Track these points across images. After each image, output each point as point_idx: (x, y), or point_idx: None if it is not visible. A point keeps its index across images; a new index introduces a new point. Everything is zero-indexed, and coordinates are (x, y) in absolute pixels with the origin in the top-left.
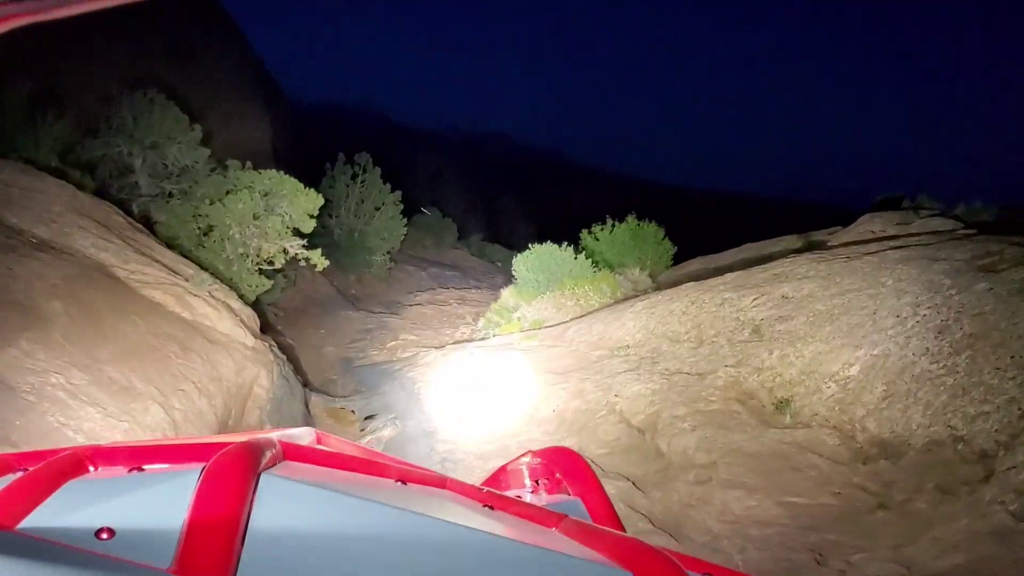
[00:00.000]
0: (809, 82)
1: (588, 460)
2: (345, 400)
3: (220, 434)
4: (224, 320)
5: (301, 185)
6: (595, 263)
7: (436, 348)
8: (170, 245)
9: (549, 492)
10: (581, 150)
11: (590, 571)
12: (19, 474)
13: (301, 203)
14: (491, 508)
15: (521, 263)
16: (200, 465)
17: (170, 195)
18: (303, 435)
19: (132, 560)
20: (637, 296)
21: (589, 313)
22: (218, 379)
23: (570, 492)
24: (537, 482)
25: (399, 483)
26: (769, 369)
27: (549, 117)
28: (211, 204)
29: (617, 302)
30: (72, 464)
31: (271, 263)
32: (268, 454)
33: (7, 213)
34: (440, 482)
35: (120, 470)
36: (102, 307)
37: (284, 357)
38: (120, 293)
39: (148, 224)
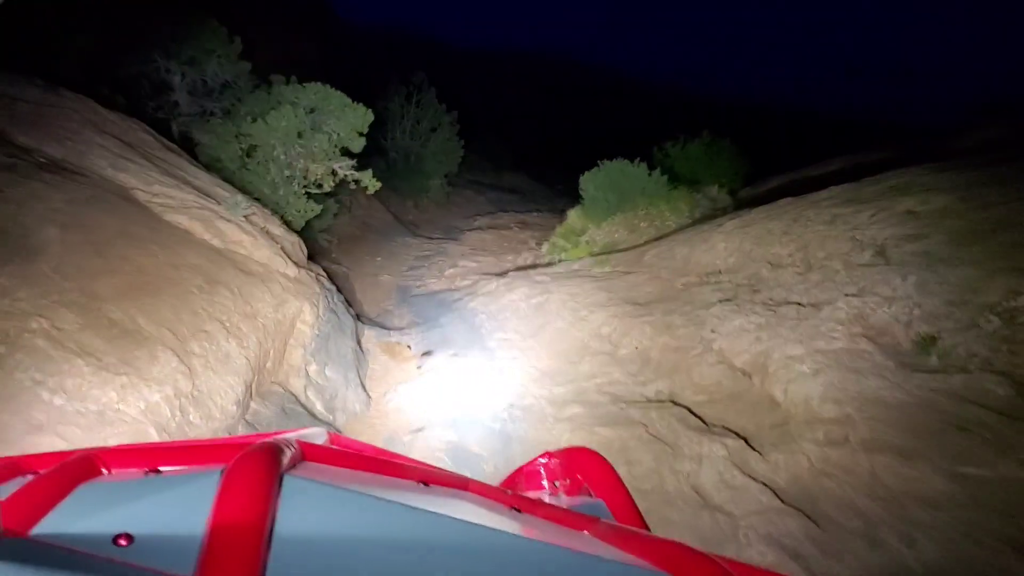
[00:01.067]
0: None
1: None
2: (401, 333)
3: (235, 436)
4: (261, 248)
5: (349, 100)
6: (670, 181)
7: (497, 276)
8: (211, 168)
9: (569, 494)
10: (641, 68)
11: (630, 574)
12: (29, 478)
13: (349, 119)
14: (518, 511)
15: (589, 181)
16: (219, 467)
17: (211, 115)
18: (316, 435)
19: (152, 567)
20: (721, 215)
21: (667, 235)
22: (252, 316)
23: (592, 494)
24: (555, 484)
25: (421, 484)
26: (903, 298)
27: (607, 34)
28: (253, 122)
29: (696, 222)
30: (85, 467)
31: (320, 186)
32: (288, 455)
33: (13, 130)
34: (462, 483)
35: (136, 472)
36: (111, 234)
37: (334, 288)
38: (137, 218)
39: (189, 146)
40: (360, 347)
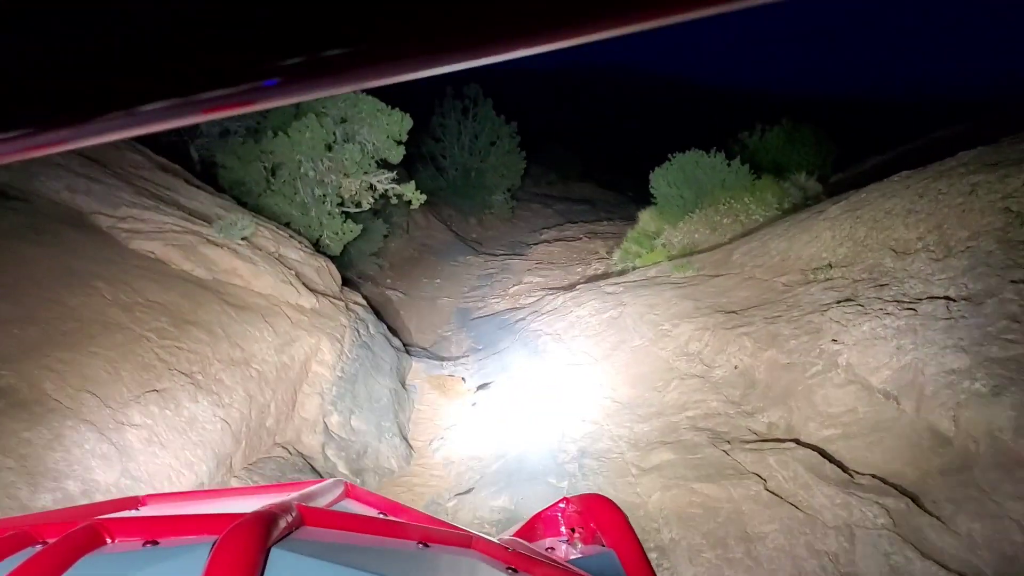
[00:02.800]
0: None
1: (625, 509)
2: (455, 364)
3: (244, 489)
4: (263, 276)
5: (382, 104)
6: (752, 171)
7: (565, 290)
8: (233, 192)
9: (584, 542)
10: (703, 71)
11: None
12: (38, 547)
13: (384, 126)
14: (514, 571)
15: (660, 178)
16: (211, 539)
17: (234, 134)
18: (329, 489)
19: None
20: (816, 203)
21: (756, 230)
22: (241, 362)
23: (604, 543)
24: (573, 530)
25: (421, 546)
26: None
27: (667, 43)
28: (275, 137)
29: (787, 213)
30: (89, 538)
31: (358, 204)
32: (283, 523)
33: None
34: (465, 541)
35: (135, 544)
36: (39, 271)
37: (372, 317)
38: (86, 249)
39: (213, 171)
40: (403, 386)
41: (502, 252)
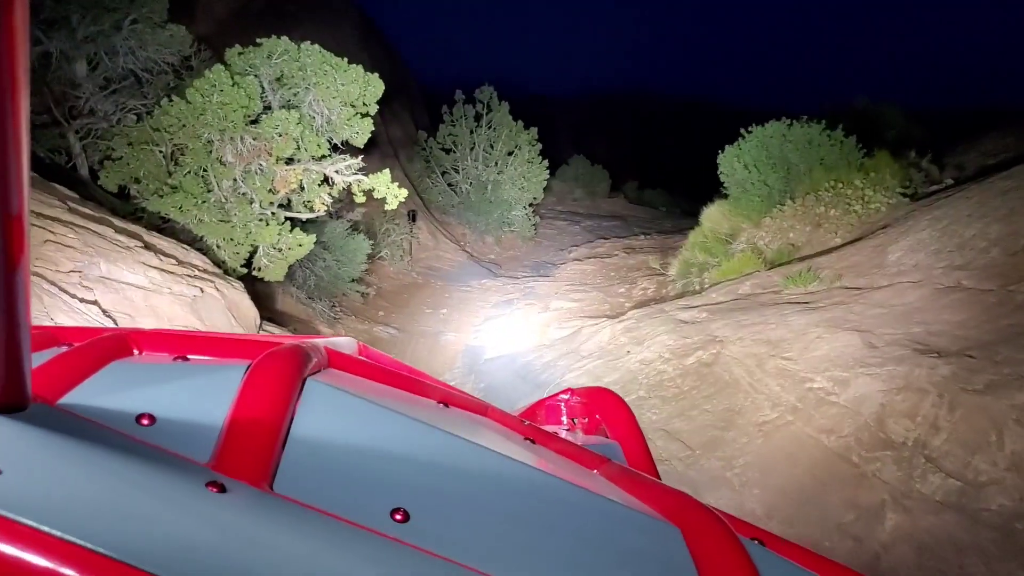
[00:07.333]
0: None
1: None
2: None
3: (266, 334)
4: None
5: (336, 58)
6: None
7: (610, 318)
8: (125, 193)
9: (586, 432)
10: (731, 92)
11: (634, 519)
12: (64, 348)
13: (338, 87)
14: (532, 442)
15: (733, 159)
16: (245, 363)
17: (128, 112)
18: (345, 344)
19: (171, 450)
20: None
21: (900, 220)
22: None
23: (608, 435)
24: (574, 421)
25: (441, 405)
26: None
27: (693, 65)
28: (170, 104)
29: (924, 200)
30: (118, 345)
31: (310, 207)
32: (314, 359)
33: None
34: (482, 409)
35: (165, 357)
36: None
37: None
38: None
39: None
40: None
41: (524, 274)
